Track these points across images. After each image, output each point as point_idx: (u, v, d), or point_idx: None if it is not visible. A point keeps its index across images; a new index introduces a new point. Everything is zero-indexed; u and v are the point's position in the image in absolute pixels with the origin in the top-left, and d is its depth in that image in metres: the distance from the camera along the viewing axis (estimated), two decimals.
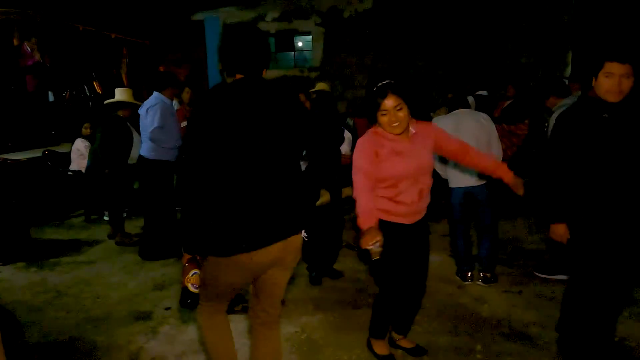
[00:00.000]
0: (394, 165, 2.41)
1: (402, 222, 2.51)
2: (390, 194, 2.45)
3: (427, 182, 2.53)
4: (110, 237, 5.37)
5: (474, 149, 2.69)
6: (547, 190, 2.55)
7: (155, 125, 4.33)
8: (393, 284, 2.65)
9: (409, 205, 2.47)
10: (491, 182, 3.76)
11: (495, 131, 3.77)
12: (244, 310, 3.34)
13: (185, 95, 6.38)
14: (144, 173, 4.59)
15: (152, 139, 4.39)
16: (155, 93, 4.52)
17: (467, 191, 3.78)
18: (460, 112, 3.80)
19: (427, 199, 2.57)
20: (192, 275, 1.93)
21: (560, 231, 2.56)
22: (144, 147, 4.57)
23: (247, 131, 1.83)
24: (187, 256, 1.94)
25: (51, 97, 7.92)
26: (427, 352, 2.89)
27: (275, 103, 1.93)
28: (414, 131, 2.49)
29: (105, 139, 5.02)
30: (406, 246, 2.58)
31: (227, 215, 1.86)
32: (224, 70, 1.93)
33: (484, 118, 3.74)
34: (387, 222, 2.48)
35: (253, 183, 1.86)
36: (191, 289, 1.93)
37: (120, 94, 5.05)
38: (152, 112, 4.38)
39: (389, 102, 2.35)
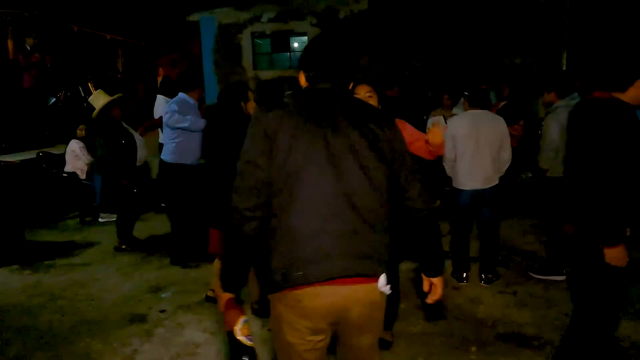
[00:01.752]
0: None
1: None
2: None
3: None
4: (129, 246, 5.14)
5: None
6: (599, 208, 2.11)
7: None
8: None
9: None
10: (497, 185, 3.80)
11: (508, 135, 3.78)
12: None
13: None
14: (167, 177, 4.48)
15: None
16: (180, 94, 4.39)
17: (476, 193, 3.79)
18: (478, 113, 3.76)
19: None
20: (242, 324, 1.53)
21: (621, 253, 2.12)
22: (165, 150, 4.44)
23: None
24: (224, 297, 1.56)
25: (52, 101, 7.88)
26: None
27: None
28: None
29: (110, 148, 4.92)
30: None
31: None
32: (310, 79, 1.62)
33: (499, 121, 3.75)
34: None
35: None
36: (245, 341, 1.52)
37: (97, 100, 4.94)
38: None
39: (363, 89, 2.70)
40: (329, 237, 1.46)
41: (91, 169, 6.42)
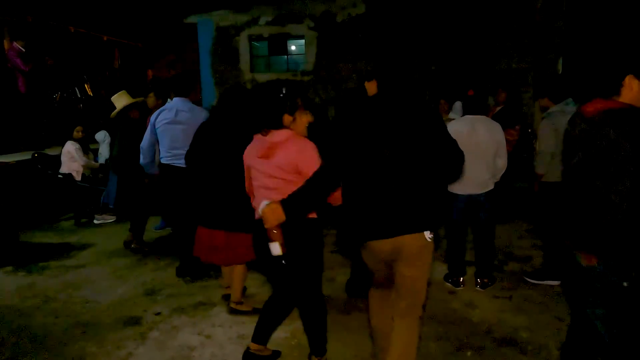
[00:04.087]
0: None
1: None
2: None
3: None
4: (127, 244, 5.08)
5: None
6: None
7: None
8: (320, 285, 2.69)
9: None
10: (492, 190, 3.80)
11: (504, 142, 3.78)
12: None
13: (150, 100, 5.32)
14: (185, 184, 4.08)
15: None
16: (181, 99, 4.17)
17: (471, 197, 3.80)
18: (475, 118, 3.75)
19: None
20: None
21: None
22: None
23: None
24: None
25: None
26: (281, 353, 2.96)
27: None
28: None
29: (127, 147, 4.85)
30: None
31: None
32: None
33: (495, 128, 3.75)
34: (315, 219, 2.53)
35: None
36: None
37: (119, 100, 4.89)
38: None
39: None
40: None
41: (104, 170, 6.45)
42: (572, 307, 2.35)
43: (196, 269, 4.24)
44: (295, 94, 2.44)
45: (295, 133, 2.46)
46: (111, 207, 6.13)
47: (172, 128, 4.15)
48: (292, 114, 2.43)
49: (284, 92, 2.42)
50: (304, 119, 2.48)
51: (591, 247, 1.98)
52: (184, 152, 4.01)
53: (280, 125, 2.44)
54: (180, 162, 4.09)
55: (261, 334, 2.79)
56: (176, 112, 4.14)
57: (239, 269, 3.47)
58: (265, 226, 2.19)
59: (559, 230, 2.16)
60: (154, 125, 4.23)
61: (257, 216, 2.49)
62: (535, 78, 9.00)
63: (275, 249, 2.19)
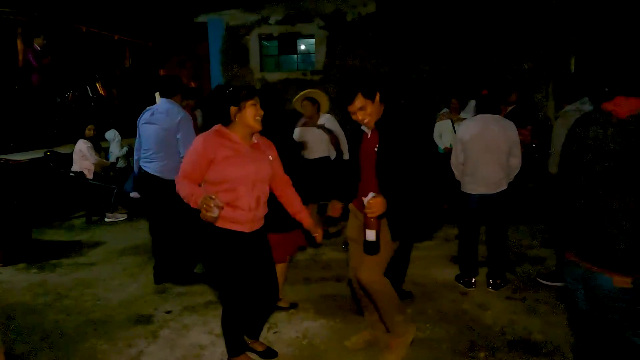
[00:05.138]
0: (234, 167, 2.47)
1: (239, 230, 2.53)
2: (227, 198, 2.45)
3: (264, 190, 2.62)
4: None
5: (292, 188, 2.83)
6: None
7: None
8: (236, 295, 2.64)
9: (246, 211, 2.52)
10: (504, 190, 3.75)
11: (518, 141, 3.73)
12: None
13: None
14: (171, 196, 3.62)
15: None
16: (164, 100, 3.97)
17: (484, 197, 3.77)
18: (488, 117, 3.72)
19: (264, 208, 2.64)
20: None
21: None
22: (167, 166, 3.86)
23: None
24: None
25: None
26: (278, 354, 2.94)
27: None
28: (255, 141, 2.63)
29: None
30: (245, 255, 2.60)
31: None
32: None
33: (509, 127, 3.70)
34: (224, 229, 2.50)
35: None
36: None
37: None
38: (185, 125, 3.86)
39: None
40: None
41: (115, 169, 6.52)
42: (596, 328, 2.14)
43: (183, 273, 4.16)
44: (240, 89, 2.53)
45: (216, 129, 2.55)
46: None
47: (146, 128, 3.97)
48: (237, 104, 2.50)
49: (229, 90, 2.55)
50: (250, 110, 2.50)
51: (628, 267, 1.79)
52: (157, 155, 3.93)
53: (228, 118, 2.51)
54: (150, 168, 3.95)
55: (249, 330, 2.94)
56: (153, 112, 3.97)
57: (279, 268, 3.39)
58: (368, 215, 2.46)
59: (575, 251, 1.98)
60: (138, 125, 4.10)
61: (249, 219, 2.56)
62: (547, 78, 8.91)
63: (371, 235, 2.49)
